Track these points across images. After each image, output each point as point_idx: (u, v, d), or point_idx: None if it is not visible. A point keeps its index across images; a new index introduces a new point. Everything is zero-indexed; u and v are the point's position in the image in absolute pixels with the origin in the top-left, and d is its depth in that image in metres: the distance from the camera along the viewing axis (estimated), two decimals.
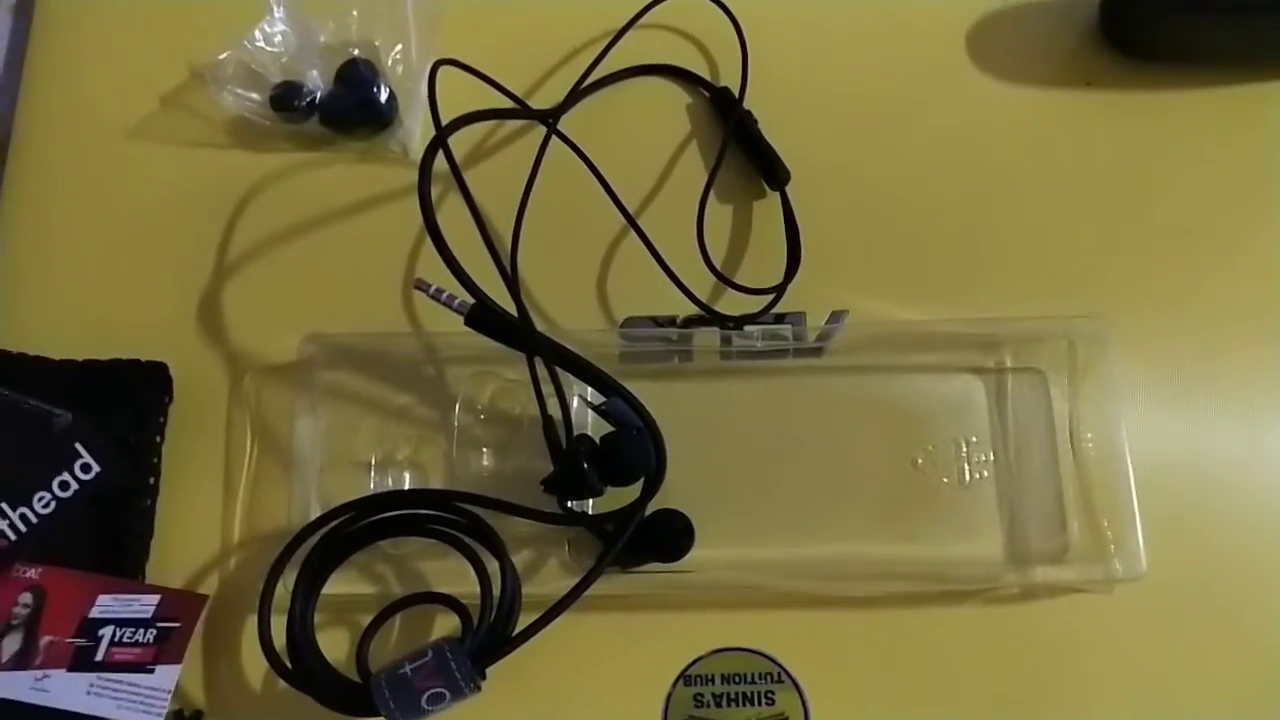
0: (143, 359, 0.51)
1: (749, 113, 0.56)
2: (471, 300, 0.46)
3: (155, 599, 0.47)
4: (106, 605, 0.46)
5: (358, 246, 0.54)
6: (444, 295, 0.47)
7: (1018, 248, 0.54)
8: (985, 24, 0.58)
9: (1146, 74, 0.56)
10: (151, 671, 0.45)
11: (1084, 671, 0.48)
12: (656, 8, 0.57)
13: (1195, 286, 0.53)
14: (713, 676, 0.47)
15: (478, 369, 0.51)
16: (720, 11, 0.56)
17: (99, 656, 0.45)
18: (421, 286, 0.47)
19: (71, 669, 0.45)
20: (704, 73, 0.57)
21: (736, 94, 0.56)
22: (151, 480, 0.50)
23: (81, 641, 0.46)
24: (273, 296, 0.54)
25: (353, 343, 0.51)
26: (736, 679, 0.47)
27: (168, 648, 0.46)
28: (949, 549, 0.49)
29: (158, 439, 0.50)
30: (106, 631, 0.46)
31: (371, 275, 0.53)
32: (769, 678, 0.47)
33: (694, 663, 0.47)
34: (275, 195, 0.55)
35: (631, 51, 0.57)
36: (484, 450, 0.50)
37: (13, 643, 0.46)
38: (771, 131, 0.55)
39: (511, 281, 0.48)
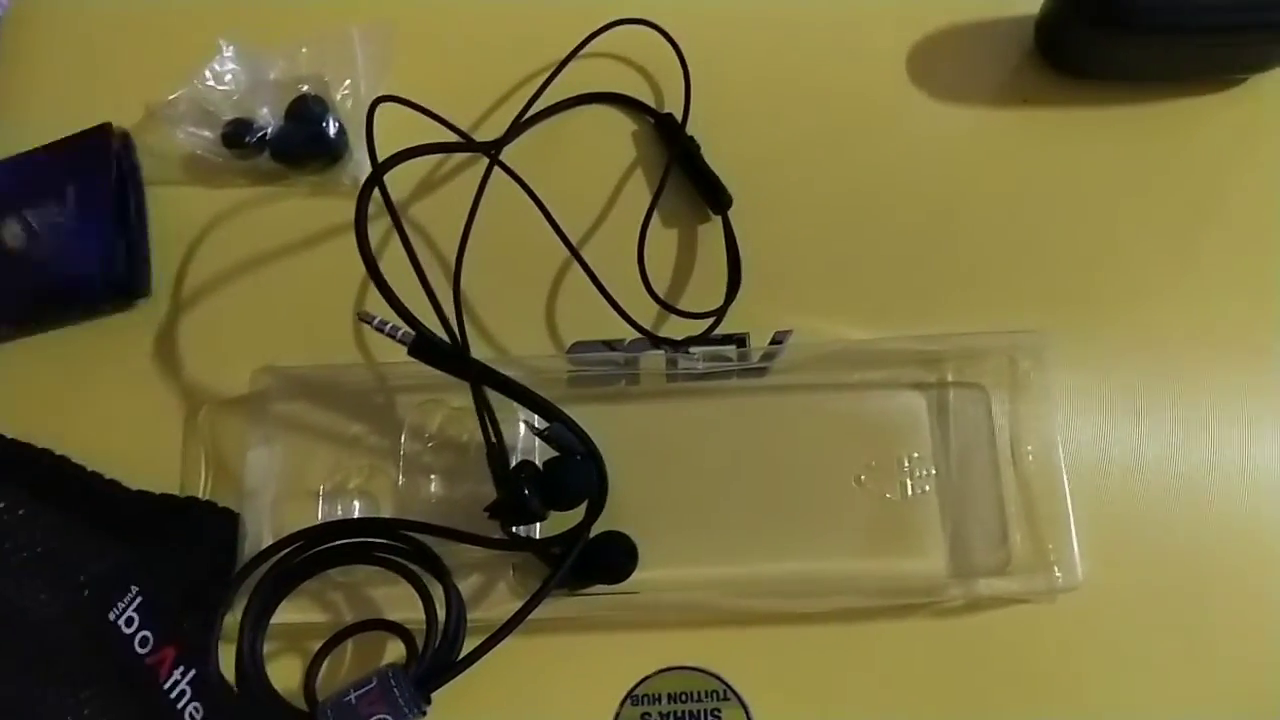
0: (217, 503, 0.50)
1: (692, 139, 0.56)
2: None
3: None
4: None
5: (311, 279, 0.55)
6: (388, 326, 0.47)
7: (959, 264, 0.55)
8: (925, 45, 0.59)
9: (1081, 91, 0.57)
10: None
11: (1030, 680, 0.48)
12: (601, 35, 0.58)
13: (1133, 300, 0.54)
14: (659, 696, 0.48)
15: (426, 398, 0.51)
16: (663, 38, 0.57)
17: None
18: (366, 318, 0.48)
19: None
20: (648, 99, 0.58)
21: (680, 120, 0.57)
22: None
23: None
24: (228, 330, 0.55)
25: (306, 375, 0.52)
26: (683, 698, 0.48)
27: None
28: (893, 564, 0.50)
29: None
30: None
31: (324, 307, 0.54)
32: (715, 695, 0.48)
33: (641, 682, 0.48)
34: (229, 230, 0.56)
35: (576, 79, 0.58)
36: (432, 478, 0.51)
37: None
38: (715, 156, 0.56)
39: (453, 311, 0.49)
